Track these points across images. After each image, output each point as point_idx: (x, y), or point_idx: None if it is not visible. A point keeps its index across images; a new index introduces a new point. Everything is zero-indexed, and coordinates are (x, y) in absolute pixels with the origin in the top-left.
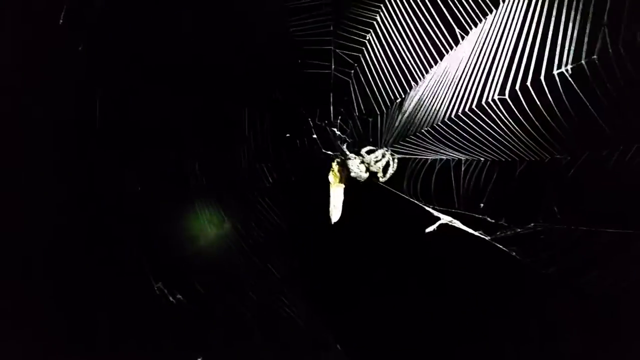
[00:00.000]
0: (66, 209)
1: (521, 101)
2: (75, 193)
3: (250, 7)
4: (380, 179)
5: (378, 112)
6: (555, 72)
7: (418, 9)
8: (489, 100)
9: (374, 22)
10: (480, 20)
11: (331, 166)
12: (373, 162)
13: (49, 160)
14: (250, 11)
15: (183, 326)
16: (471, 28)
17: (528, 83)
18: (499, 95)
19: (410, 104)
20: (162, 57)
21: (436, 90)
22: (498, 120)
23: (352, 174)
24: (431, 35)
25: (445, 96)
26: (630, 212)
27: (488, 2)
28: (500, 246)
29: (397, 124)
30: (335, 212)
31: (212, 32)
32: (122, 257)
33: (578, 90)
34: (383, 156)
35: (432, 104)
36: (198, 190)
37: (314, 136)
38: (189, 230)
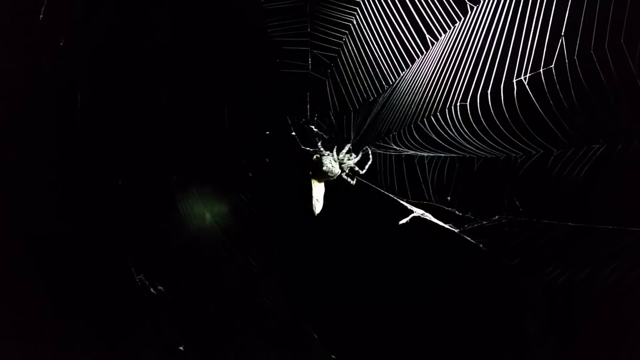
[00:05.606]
0: (49, 205)
1: (487, 106)
2: (58, 189)
3: (231, 7)
4: (360, 172)
5: (352, 111)
6: (514, 80)
7: (391, 13)
8: (457, 104)
9: (350, 25)
10: (449, 27)
11: (311, 162)
12: (347, 159)
13: (31, 155)
14: (232, 11)
15: (165, 316)
16: (440, 35)
17: (489, 91)
18: (461, 101)
19: (383, 105)
20: (143, 55)
21: (407, 94)
22: (463, 123)
23: (324, 168)
24: (403, 40)
25: (414, 100)
26: (586, 208)
27: (452, 14)
28: (469, 238)
29: (369, 123)
30: (318, 205)
31: (193, 31)
32: (105, 250)
33: (532, 97)
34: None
35: (404, 106)
36: (179, 185)
37: (293, 133)
38: (171, 224)
